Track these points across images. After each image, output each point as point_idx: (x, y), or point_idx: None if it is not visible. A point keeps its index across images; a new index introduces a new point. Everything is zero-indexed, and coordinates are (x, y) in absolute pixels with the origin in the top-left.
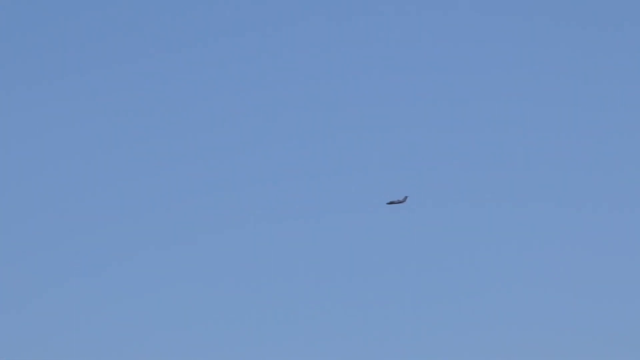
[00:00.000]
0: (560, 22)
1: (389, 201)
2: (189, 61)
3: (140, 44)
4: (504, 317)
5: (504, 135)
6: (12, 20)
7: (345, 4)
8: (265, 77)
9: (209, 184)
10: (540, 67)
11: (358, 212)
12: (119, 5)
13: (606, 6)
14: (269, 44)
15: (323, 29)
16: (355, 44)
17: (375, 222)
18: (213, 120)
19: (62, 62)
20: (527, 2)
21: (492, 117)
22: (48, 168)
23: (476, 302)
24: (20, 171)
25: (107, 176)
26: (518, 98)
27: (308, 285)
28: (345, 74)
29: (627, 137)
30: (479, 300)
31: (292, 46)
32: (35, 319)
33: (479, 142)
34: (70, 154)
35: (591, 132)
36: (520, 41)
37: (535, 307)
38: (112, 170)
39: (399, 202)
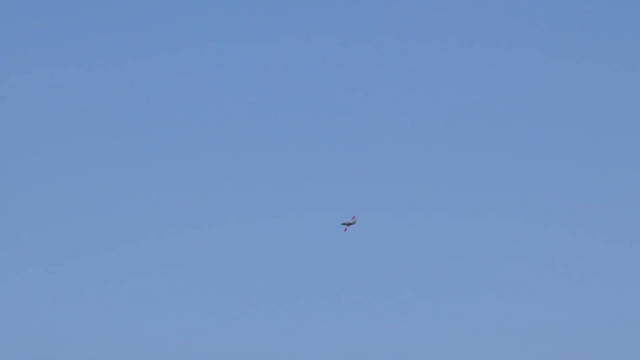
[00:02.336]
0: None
1: (342, 222)
2: (189, 62)
3: (140, 44)
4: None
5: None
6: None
7: (347, 8)
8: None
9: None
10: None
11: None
12: (118, 5)
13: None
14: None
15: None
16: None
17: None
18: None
19: (62, 61)
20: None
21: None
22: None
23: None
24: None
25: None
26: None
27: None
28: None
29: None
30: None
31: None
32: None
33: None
34: (69, 160)
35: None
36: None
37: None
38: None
39: (351, 223)
